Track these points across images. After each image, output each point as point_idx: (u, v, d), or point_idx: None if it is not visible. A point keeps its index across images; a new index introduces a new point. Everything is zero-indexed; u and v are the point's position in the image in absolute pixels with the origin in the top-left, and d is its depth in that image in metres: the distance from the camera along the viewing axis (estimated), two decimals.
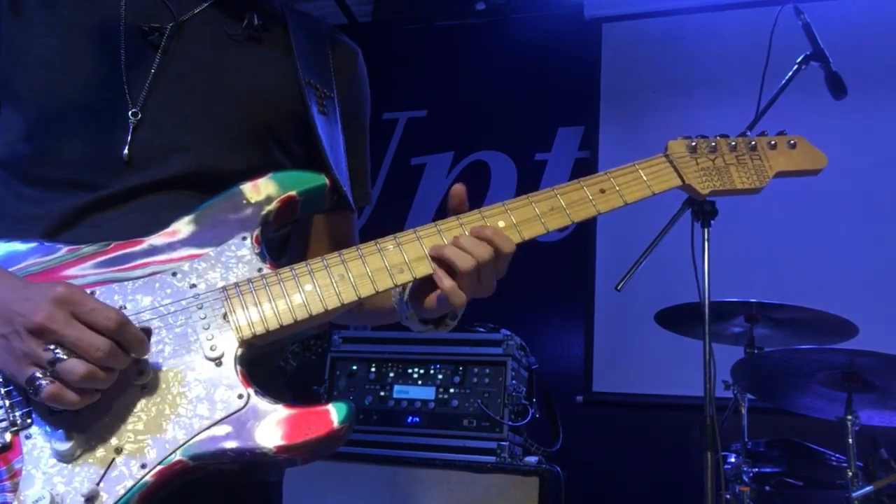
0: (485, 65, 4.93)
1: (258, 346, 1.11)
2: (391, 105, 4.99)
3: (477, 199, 1.21)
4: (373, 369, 3.11)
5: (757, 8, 4.16)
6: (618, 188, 1.24)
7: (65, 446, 0.98)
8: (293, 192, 1.19)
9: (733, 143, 1.33)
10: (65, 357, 0.95)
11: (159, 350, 1.05)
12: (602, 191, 1.24)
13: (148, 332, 1.03)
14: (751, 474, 2.78)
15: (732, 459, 2.85)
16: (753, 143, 1.33)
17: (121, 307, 1.06)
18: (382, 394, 3.07)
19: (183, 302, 1.08)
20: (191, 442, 1.01)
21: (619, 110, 4.53)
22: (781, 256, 3.95)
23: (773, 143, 1.34)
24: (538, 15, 4.91)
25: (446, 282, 1.13)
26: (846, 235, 3.91)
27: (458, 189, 1.21)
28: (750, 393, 2.95)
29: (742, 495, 2.72)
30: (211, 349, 1.06)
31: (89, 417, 1.00)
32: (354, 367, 3.15)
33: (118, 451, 1.00)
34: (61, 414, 1.00)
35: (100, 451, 1.00)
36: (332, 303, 1.12)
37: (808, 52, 2.73)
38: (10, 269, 1.06)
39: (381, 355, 3.13)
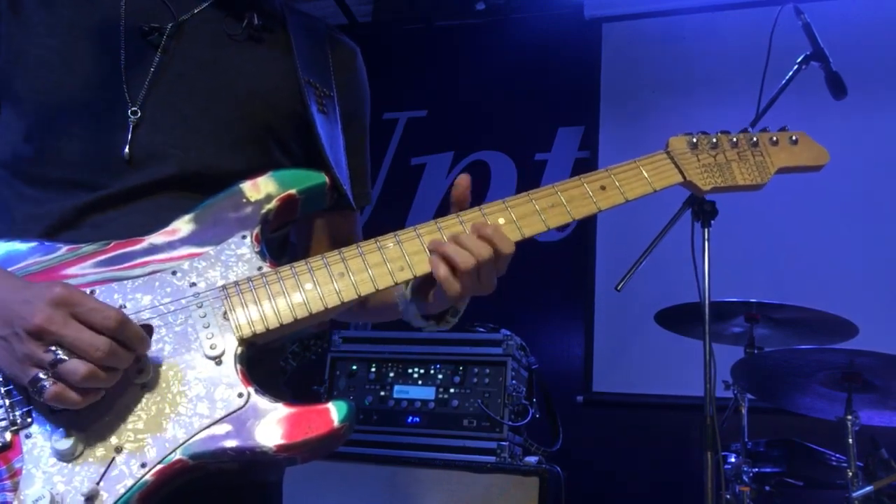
0: (485, 65, 4.93)
1: (258, 345, 1.11)
2: (391, 105, 4.99)
3: (477, 200, 1.21)
4: (373, 369, 3.11)
5: (757, 8, 4.16)
6: (619, 185, 1.24)
7: (65, 445, 0.98)
8: (293, 191, 1.19)
9: (735, 140, 1.32)
10: (66, 358, 0.95)
11: (159, 349, 1.05)
12: (603, 187, 1.23)
13: (149, 329, 1.04)
14: (751, 474, 2.78)
15: (732, 459, 2.85)
16: (755, 139, 1.32)
17: (121, 306, 1.05)
18: (382, 394, 3.06)
19: (183, 301, 1.08)
20: (191, 441, 1.01)
21: (619, 110, 4.53)
22: (781, 256, 3.95)
23: (774, 139, 1.33)
24: (538, 15, 4.91)
25: (441, 269, 1.12)
26: (846, 235, 3.91)
27: (463, 179, 1.20)
28: (750, 393, 2.95)
29: (742, 495, 2.71)
30: (211, 348, 1.06)
31: (89, 416, 1.00)
32: (354, 367, 3.14)
33: (118, 450, 1.00)
34: (61, 413, 0.99)
35: (100, 450, 1.00)
36: (332, 301, 1.12)
37: (808, 52, 2.73)
38: (10, 269, 1.06)
39: (381, 355, 3.12)
